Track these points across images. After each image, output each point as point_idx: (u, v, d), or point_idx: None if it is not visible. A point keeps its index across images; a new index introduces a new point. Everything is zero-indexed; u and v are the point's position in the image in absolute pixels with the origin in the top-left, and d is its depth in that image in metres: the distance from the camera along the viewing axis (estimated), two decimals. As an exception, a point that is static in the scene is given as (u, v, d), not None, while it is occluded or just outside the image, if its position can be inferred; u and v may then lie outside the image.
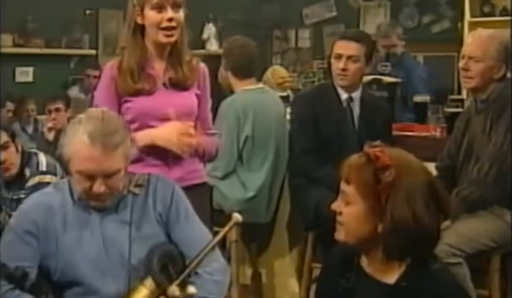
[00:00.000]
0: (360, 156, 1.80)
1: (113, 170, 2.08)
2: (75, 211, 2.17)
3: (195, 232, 2.24)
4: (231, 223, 2.11)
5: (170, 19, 2.56)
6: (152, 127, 2.61)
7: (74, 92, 6.22)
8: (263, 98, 3.75)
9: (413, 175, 1.76)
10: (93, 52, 6.77)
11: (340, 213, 1.82)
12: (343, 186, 1.82)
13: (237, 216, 2.13)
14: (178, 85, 2.65)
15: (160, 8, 2.55)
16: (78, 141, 2.06)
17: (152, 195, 2.22)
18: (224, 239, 3.26)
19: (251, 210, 3.62)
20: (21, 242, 2.12)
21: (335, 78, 3.44)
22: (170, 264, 2.11)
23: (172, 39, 2.60)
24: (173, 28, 2.57)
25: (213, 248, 2.11)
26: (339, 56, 3.38)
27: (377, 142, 1.81)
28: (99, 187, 2.07)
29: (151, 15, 2.57)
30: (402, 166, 1.76)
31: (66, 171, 2.20)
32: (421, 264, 1.78)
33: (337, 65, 3.39)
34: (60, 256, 2.13)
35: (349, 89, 3.45)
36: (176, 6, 2.58)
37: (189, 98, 2.68)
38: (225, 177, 3.67)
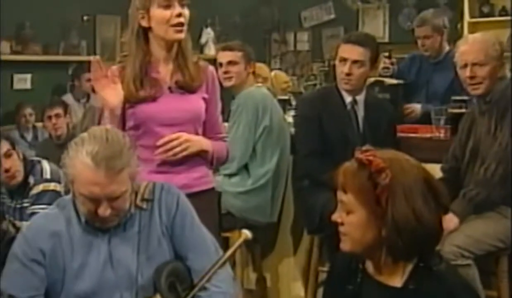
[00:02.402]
0: (352, 163, 1.77)
1: (118, 194, 2.01)
2: (81, 231, 2.10)
3: (201, 242, 2.20)
4: (240, 240, 2.10)
5: (179, 15, 2.54)
6: (157, 132, 2.58)
7: (68, 99, 6.17)
8: (271, 95, 3.89)
9: (408, 174, 1.74)
10: (91, 58, 6.71)
11: (342, 224, 1.79)
12: (341, 195, 1.79)
13: (246, 233, 2.12)
14: (185, 88, 2.61)
15: (167, 5, 2.53)
16: (80, 163, 1.98)
17: (157, 207, 2.16)
18: (228, 243, 3.26)
19: (254, 208, 3.63)
20: (28, 272, 2.05)
21: (339, 81, 3.42)
22: (178, 282, 2.09)
23: (182, 35, 2.57)
24: (182, 24, 2.55)
25: (221, 265, 2.09)
26: (343, 60, 3.35)
27: (367, 147, 1.78)
28: (104, 211, 2.00)
29: (159, 13, 2.54)
30: (396, 166, 1.74)
31: (71, 192, 2.12)
32: (427, 265, 1.76)
33: (341, 69, 3.36)
34: (66, 281, 2.07)
35: (353, 92, 3.42)
36: (182, 3, 2.56)
37: (195, 102, 2.64)
38: (235, 174, 3.68)
